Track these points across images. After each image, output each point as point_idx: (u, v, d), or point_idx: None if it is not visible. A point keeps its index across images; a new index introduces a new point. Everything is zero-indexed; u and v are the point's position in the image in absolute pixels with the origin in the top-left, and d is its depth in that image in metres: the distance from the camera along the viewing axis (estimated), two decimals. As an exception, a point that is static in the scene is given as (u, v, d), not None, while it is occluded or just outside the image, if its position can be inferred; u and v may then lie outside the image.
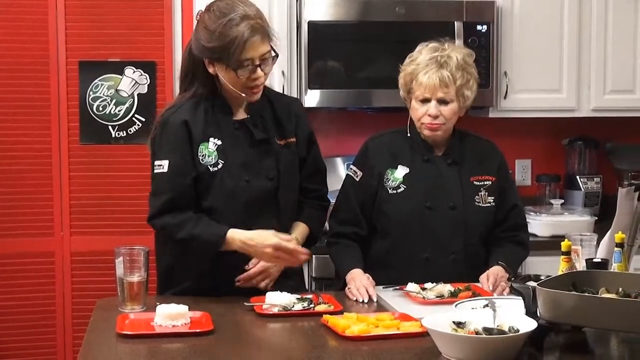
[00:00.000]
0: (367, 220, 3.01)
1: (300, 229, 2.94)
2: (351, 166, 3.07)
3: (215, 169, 2.80)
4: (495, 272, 2.86)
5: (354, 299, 2.78)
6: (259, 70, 2.75)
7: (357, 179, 3.02)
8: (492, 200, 3.00)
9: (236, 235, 2.74)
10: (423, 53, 2.95)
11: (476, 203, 2.98)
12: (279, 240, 2.71)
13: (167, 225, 2.78)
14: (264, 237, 2.72)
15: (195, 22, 2.83)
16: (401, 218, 2.96)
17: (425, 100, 2.92)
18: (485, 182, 3.01)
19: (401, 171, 2.99)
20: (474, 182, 3.00)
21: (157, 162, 2.81)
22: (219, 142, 2.81)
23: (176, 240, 2.77)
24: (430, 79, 2.88)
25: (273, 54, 2.78)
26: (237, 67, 2.72)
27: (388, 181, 2.99)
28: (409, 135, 3.02)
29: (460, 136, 3.04)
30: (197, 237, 2.74)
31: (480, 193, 2.99)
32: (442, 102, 2.91)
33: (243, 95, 2.79)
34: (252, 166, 2.83)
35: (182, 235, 2.74)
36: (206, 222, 2.76)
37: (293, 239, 2.75)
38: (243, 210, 2.81)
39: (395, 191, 2.98)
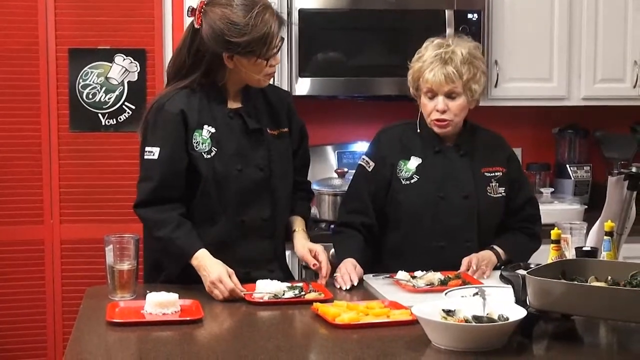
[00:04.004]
0: (380, 210, 3.02)
1: (301, 223, 3.00)
2: (363, 157, 3.08)
3: (209, 156, 2.79)
4: (479, 256, 2.90)
5: (338, 286, 2.79)
6: (278, 55, 2.80)
7: (369, 169, 3.04)
8: (502, 191, 3.02)
9: (202, 260, 2.69)
10: (429, 50, 2.95)
11: (488, 193, 3.00)
12: (222, 275, 2.65)
13: (149, 219, 2.79)
14: (215, 268, 2.67)
15: (187, 13, 2.82)
16: (415, 208, 2.97)
17: (433, 96, 2.93)
18: (495, 173, 3.02)
19: (414, 162, 3.00)
20: (485, 173, 3.01)
21: (147, 148, 2.79)
22: (213, 130, 2.81)
23: (153, 237, 2.79)
24: (435, 76, 2.89)
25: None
26: (269, 57, 2.75)
27: (401, 172, 3.00)
28: (418, 131, 3.02)
29: (471, 129, 3.06)
30: (173, 241, 2.73)
31: (491, 184, 3.01)
32: (449, 96, 2.91)
33: (262, 81, 2.82)
34: (244, 155, 2.83)
35: (160, 234, 2.75)
36: (187, 230, 2.74)
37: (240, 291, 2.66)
38: (234, 199, 2.81)
39: (408, 182, 2.99)
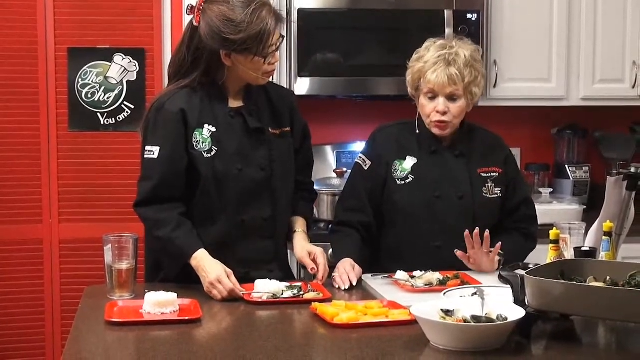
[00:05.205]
0: (376, 210, 3.02)
1: (302, 224, 2.99)
2: (360, 155, 3.09)
3: (209, 155, 2.79)
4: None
5: (337, 286, 2.79)
6: (277, 53, 2.79)
7: (366, 168, 3.04)
8: (498, 192, 3.02)
9: (200, 260, 2.69)
10: (431, 51, 2.94)
11: (483, 194, 3.00)
12: (222, 276, 2.64)
13: (149, 218, 2.79)
14: (215, 269, 2.66)
15: (186, 11, 2.82)
16: (410, 208, 2.97)
17: (434, 97, 2.93)
18: (492, 174, 3.02)
19: (409, 162, 3.00)
20: (481, 174, 3.01)
21: (148, 147, 2.79)
22: (213, 129, 2.80)
23: (153, 236, 2.79)
24: (438, 77, 2.88)
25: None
26: (266, 54, 2.73)
27: (396, 172, 3.00)
28: (417, 132, 3.02)
29: (468, 129, 3.05)
30: (172, 241, 2.73)
31: (487, 184, 3.01)
32: (450, 98, 2.91)
33: (260, 79, 2.80)
34: (245, 155, 2.83)
35: (160, 233, 2.75)
36: (186, 230, 2.74)
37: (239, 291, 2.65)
38: (234, 199, 2.81)
39: (403, 182, 2.99)
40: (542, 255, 2.79)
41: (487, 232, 2.85)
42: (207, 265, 2.68)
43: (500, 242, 2.88)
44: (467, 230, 2.85)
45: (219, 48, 2.74)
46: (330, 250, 3.11)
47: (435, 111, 2.92)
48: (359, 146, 4.37)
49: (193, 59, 2.80)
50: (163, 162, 2.77)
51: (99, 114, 4.11)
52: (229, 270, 2.67)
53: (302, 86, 4.05)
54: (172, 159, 2.77)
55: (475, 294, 2.40)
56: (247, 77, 2.80)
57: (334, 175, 4.09)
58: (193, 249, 2.71)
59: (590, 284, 2.30)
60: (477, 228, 2.85)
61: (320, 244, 3.00)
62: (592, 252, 2.65)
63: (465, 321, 2.17)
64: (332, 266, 2.91)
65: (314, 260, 2.86)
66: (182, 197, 2.79)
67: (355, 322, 2.35)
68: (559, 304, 2.22)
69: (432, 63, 2.91)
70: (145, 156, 2.80)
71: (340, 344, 2.23)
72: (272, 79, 2.94)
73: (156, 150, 2.77)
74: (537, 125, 4.67)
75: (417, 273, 2.81)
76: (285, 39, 2.85)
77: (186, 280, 2.74)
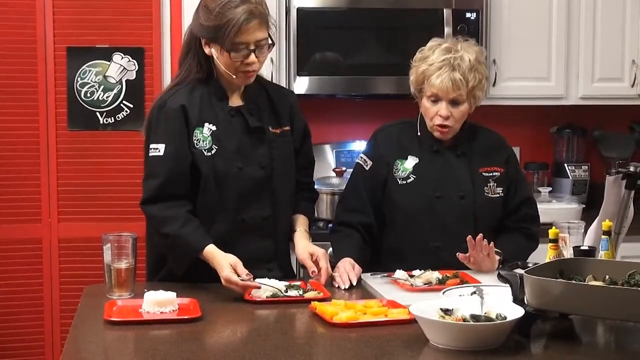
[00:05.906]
0: (377, 210, 3.02)
1: (303, 222, 2.98)
2: (361, 155, 3.09)
3: (210, 154, 2.79)
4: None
5: (336, 286, 2.79)
6: (252, 55, 2.75)
7: (367, 168, 3.04)
8: (500, 191, 3.01)
9: (212, 257, 2.69)
10: (436, 53, 2.92)
11: (485, 194, 2.99)
12: (229, 275, 2.63)
13: (156, 216, 2.78)
14: (222, 266, 2.65)
15: (184, 2, 2.84)
16: (411, 208, 2.97)
17: (436, 100, 2.92)
18: (493, 173, 3.02)
19: (411, 162, 3.00)
20: (483, 174, 3.01)
21: (152, 145, 2.79)
22: (214, 128, 2.81)
23: (160, 234, 2.78)
24: (442, 82, 2.88)
25: (269, 41, 2.78)
26: (230, 49, 2.72)
27: (397, 172, 3.00)
28: (419, 134, 3.02)
29: (470, 129, 3.05)
30: (181, 237, 2.72)
31: (489, 184, 3.00)
32: (453, 102, 2.91)
33: (235, 78, 2.79)
34: (245, 154, 2.83)
35: (167, 230, 2.73)
36: (195, 225, 2.74)
37: (247, 278, 2.64)
38: (235, 197, 2.81)
39: (404, 182, 2.99)
40: (541, 254, 2.79)
41: (479, 235, 2.84)
42: (216, 263, 2.67)
43: (492, 242, 2.88)
44: (469, 235, 2.84)
45: (196, 33, 2.78)
46: (330, 249, 3.11)
47: (437, 115, 2.92)
48: (358, 145, 4.37)
49: (188, 48, 2.84)
50: (169, 159, 2.77)
51: (98, 113, 4.11)
52: (235, 262, 2.65)
53: (301, 85, 4.05)
54: (178, 156, 2.78)
55: (475, 293, 2.40)
56: (224, 72, 2.79)
57: (333, 174, 4.09)
58: (202, 245, 2.71)
59: (589, 283, 2.30)
60: (480, 234, 2.85)
61: (319, 243, 2.99)
62: (591, 251, 2.65)
63: (464, 320, 2.17)
64: (332, 265, 2.91)
65: (316, 262, 2.85)
66: (187, 195, 2.79)
67: (354, 321, 2.35)
68: (558, 303, 2.22)
69: (436, 67, 2.89)
70: (151, 154, 2.80)
71: (340, 343, 2.23)
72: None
73: (162, 147, 2.77)
74: (536, 124, 4.67)
75: (416, 272, 2.81)
76: (274, 45, 2.81)
77: (193, 276, 2.74)
